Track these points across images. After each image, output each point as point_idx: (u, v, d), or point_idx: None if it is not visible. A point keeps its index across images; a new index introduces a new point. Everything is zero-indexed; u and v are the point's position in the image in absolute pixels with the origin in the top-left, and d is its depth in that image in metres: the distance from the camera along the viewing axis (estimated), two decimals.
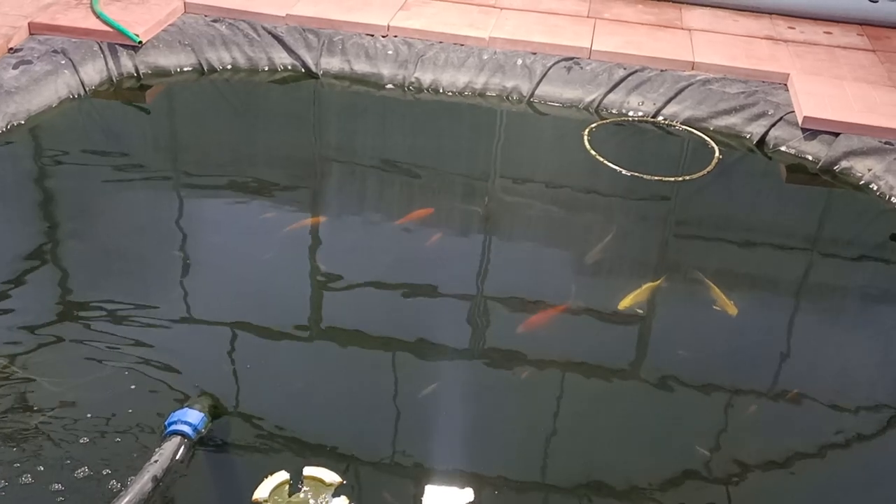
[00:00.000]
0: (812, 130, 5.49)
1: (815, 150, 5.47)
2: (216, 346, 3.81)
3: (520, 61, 6.04)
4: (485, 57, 6.06)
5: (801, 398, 3.78)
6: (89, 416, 3.35)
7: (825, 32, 6.65)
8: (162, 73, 5.93)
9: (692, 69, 6.02)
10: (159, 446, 3.11)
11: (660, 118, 5.86)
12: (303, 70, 6.11)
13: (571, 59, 6.06)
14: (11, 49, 5.60)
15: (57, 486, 3.06)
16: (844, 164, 5.35)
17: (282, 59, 6.12)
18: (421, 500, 3.19)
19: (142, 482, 2.94)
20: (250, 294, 4.14)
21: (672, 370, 3.88)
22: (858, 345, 4.22)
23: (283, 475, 3.06)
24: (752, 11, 6.88)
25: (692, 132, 5.75)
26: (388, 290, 4.26)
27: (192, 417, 3.19)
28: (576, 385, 3.80)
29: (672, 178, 5.27)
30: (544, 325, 4.06)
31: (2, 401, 3.39)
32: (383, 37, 6.17)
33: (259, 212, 4.79)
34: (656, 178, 5.23)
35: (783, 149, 5.57)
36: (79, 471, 3.11)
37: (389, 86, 6.05)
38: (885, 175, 5.18)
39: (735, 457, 3.47)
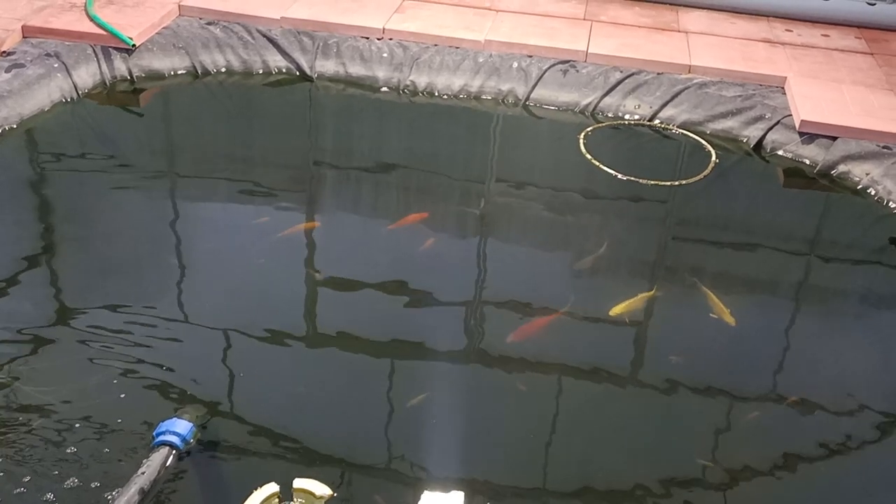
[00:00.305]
0: (809, 134, 5.46)
1: (812, 154, 5.44)
2: (208, 353, 3.78)
3: (515, 64, 6.01)
4: (480, 60, 6.03)
5: (800, 404, 3.75)
6: (78, 425, 3.31)
7: (823, 35, 6.62)
8: (156, 76, 5.90)
9: (689, 72, 5.99)
10: (147, 457, 3.08)
11: (656, 122, 5.83)
12: (297, 73, 6.08)
13: (567, 62, 6.03)
14: (4, 52, 5.57)
15: (49, 496, 3.02)
16: (842, 168, 5.32)
17: (276, 61, 6.09)
18: None
19: (128, 494, 2.91)
20: (244, 299, 4.11)
21: (668, 376, 3.85)
22: (858, 350, 4.19)
23: (272, 487, 3.02)
24: (750, 14, 6.85)
25: (689, 136, 5.72)
26: (383, 295, 4.23)
27: (180, 427, 3.16)
28: (571, 391, 3.76)
29: (668, 183, 5.23)
30: (535, 334, 4.03)
31: None
32: (378, 39, 6.14)
33: (253, 216, 4.77)
34: (653, 182, 5.20)
35: (780, 153, 5.54)
36: (69, 481, 3.08)
37: (384, 89, 6.02)
38: (883, 180, 5.15)
39: (733, 463, 3.44)
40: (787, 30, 6.66)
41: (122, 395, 3.47)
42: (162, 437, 3.14)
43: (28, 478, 3.09)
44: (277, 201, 4.91)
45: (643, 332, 4.14)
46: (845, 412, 3.75)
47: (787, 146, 5.53)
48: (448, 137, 5.80)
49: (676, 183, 5.25)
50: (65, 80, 5.55)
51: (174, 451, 3.12)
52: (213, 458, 3.27)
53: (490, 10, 6.57)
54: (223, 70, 6.06)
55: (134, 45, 5.75)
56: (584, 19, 6.55)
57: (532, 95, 5.94)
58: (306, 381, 3.72)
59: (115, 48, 5.78)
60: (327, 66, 6.07)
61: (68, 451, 3.20)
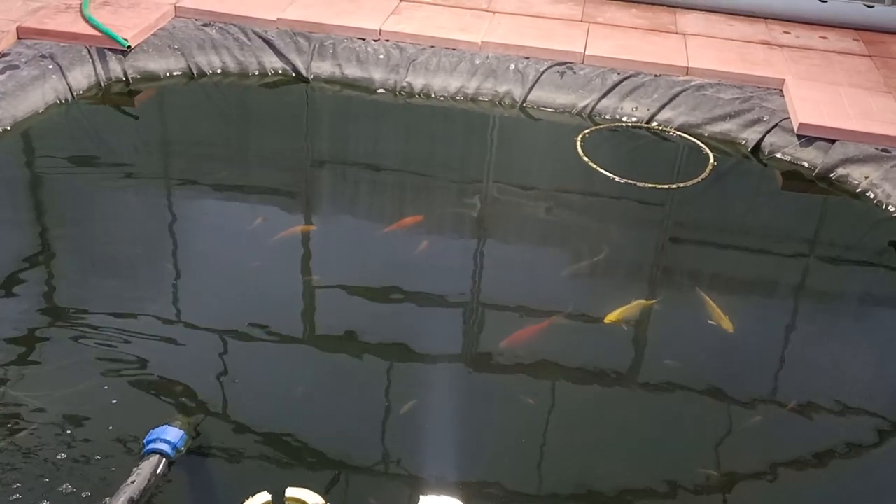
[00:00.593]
0: (808, 137, 5.43)
1: (810, 157, 5.41)
2: (202, 357, 3.75)
3: (512, 66, 5.98)
4: (477, 61, 6.00)
5: (799, 409, 3.73)
6: (68, 431, 3.28)
7: (821, 37, 6.59)
8: (151, 77, 5.87)
9: (686, 74, 5.96)
10: (137, 465, 3.04)
11: (654, 124, 5.80)
12: (293, 74, 6.05)
13: (564, 63, 6.00)
14: None
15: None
16: (841, 171, 5.29)
17: (272, 63, 6.06)
18: None
19: None
20: (239, 302, 4.08)
21: (666, 380, 3.82)
22: (857, 354, 4.16)
23: (264, 496, 2.99)
24: (747, 16, 6.82)
25: (686, 138, 5.69)
26: (378, 298, 4.20)
27: (171, 435, 3.12)
28: (568, 395, 3.74)
29: (666, 185, 5.21)
30: (531, 339, 4.00)
31: None
32: (375, 41, 6.11)
33: (249, 218, 4.74)
34: (650, 184, 5.17)
35: (779, 155, 5.51)
36: (62, 486, 3.06)
37: (381, 90, 5.99)
38: (882, 183, 5.12)
39: (733, 469, 3.42)
40: (785, 32, 6.64)
41: (114, 401, 3.44)
42: (152, 446, 3.10)
43: (18, 484, 3.06)
44: (273, 203, 4.89)
45: (641, 336, 4.12)
46: (845, 416, 3.73)
47: (785, 149, 5.51)
48: (444, 139, 5.77)
49: (674, 186, 5.22)
50: (59, 81, 5.51)
51: (164, 460, 3.08)
52: (204, 464, 3.24)
53: (487, 11, 6.55)
54: (219, 71, 6.03)
55: (129, 47, 5.72)
56: (581, 21, 6.53)
57: (529, 97, 5.92)
58: (302, 383, 3.70)
59: (111, 49, 5.75)
60: (323, 68, 6.04)
61: (59, 457, 3.17)
